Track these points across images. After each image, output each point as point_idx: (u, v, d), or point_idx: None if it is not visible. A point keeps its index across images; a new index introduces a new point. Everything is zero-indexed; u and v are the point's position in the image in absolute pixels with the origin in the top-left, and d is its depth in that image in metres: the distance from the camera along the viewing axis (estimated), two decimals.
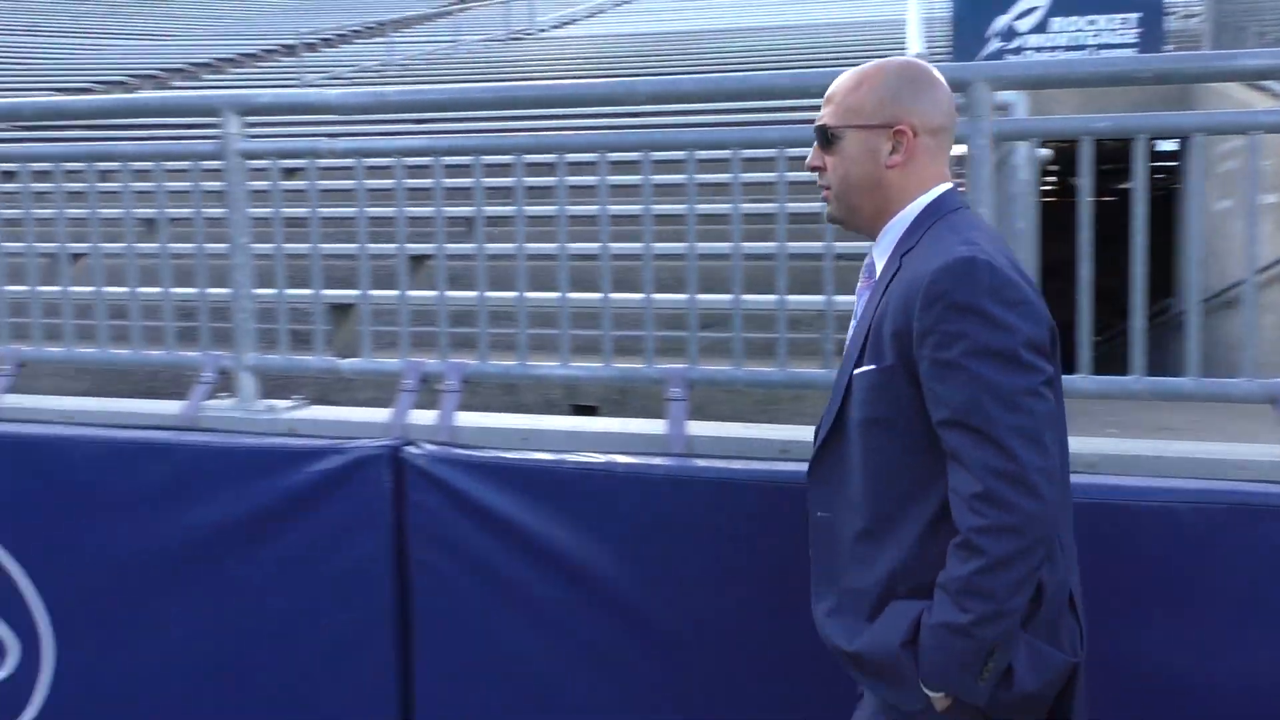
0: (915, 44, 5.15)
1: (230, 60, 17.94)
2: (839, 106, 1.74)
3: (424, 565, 2.66)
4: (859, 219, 1.77)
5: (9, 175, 3.07)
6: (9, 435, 2.92)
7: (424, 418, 2.75)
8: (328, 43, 19.31)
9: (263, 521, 2.73)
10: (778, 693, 2.40)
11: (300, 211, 2.93)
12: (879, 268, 1.74)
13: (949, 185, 1.73)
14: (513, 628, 2.61)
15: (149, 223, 4.23)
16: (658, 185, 2.67)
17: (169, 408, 2.94)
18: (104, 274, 3.02)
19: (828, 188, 1.77)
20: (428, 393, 2.82)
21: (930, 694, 1.59)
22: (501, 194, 5.68)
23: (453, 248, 2.78)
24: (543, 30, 19.99)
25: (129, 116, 2.76)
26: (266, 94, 2.55)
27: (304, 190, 2.90)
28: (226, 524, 2.75)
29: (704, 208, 2.60)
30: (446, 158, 2.74)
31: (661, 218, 2.70)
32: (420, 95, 2.80)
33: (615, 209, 2.73)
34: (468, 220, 5.36)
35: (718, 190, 2.82)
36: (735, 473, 2.44)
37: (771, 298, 2.58)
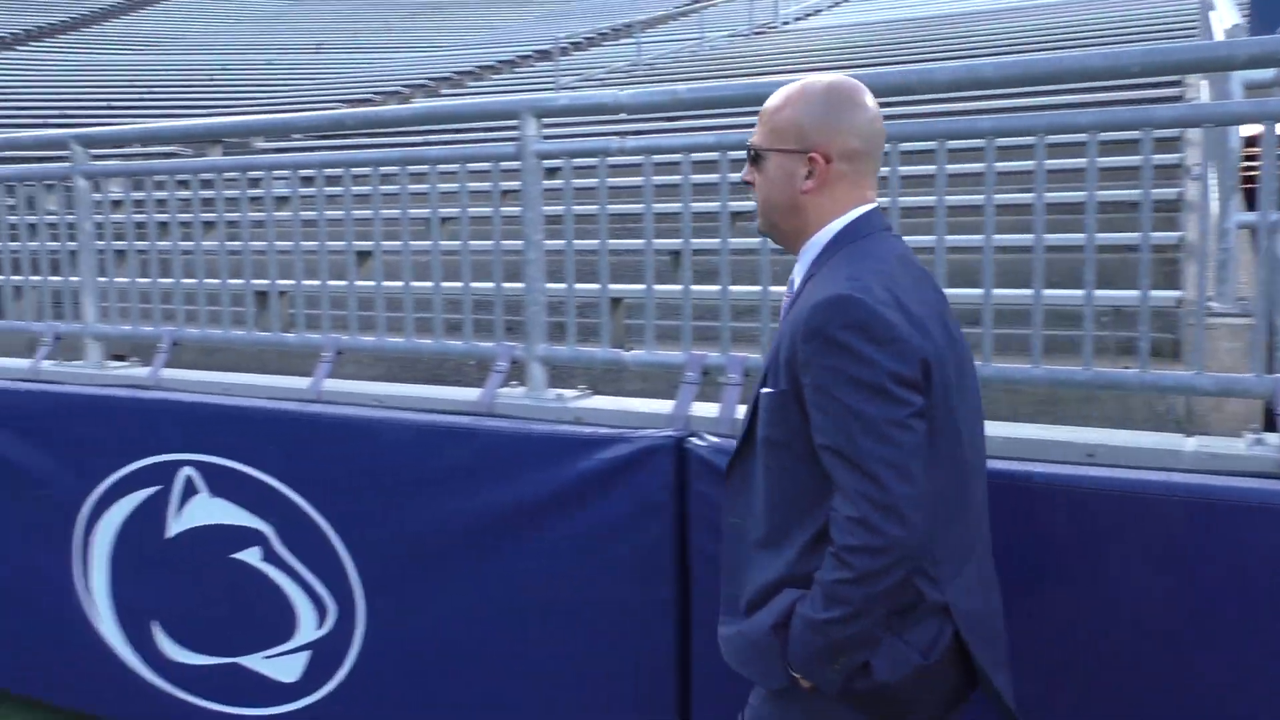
0: (1229, 13, 4.66)
1: (490, 68, 19.02)
2: (765, 127, 1.80)
3: (705, 555, 2.69)
4: (780, 236, 1.85)
5: (332, 180, 3.36)
6: (330, 416, 3.21)
7: (704, 410, 2.79)
8: (578, 46, 20.07)
9: (552, 505, 2.86)
10: (1067, 704, 2.28)
11: (590, 209, 3.04)
12: (795, 287, 1.82)
13: (866, 208, 1.78)
14: None
15: (443, 220, 4.54)
16: (946, 175, 2.57)
17: (468, 394, 3.14)
18: (411, 270, 3.27)
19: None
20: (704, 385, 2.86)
21: (793, 674, 1.75)
22: None
23: (736, 242, 2.79)
24: (786, 23, 19.87)
25: (438, 123, 2.97)
26: (563, 97, 2.66)
27: (590, 188, 3.02)
28: (518, 506, 2.90)
29: (1002, 198, 2.48)
30: (732, 153, 2.76)
31: (953, 209, 2.60)
32: (712, 92, 2.83)
33: (905, 200, 2.66)
34: (734, 215, 5.40)
35: (1014, 179, 2.67)
36: (1035, 475, 2.32)
37: (1078, 293, 2.43)
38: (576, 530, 2.82)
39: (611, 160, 2.92)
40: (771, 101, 1.80)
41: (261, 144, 11.76)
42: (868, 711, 1.75)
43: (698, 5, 21.26)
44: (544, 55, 19.18)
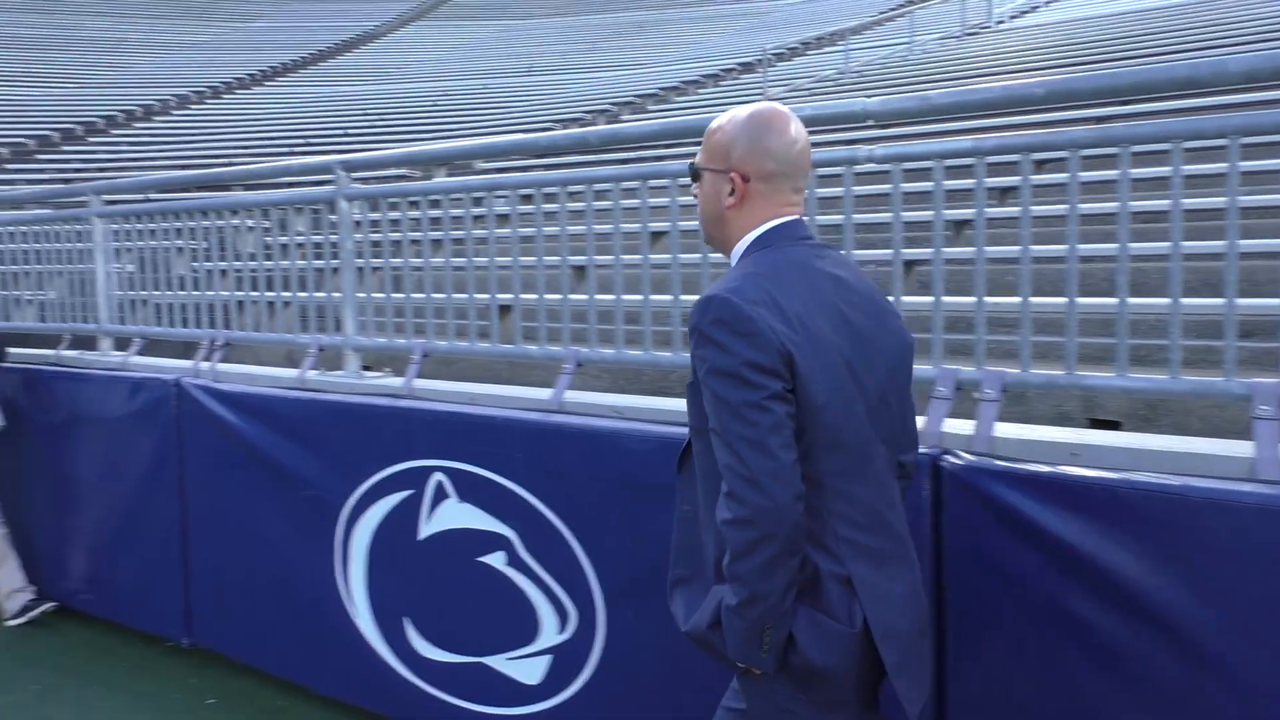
0: None
1: (695, 82, 19.21)
2: (704, 148, 2.03)
3: (961, 579, 2.58)
4: (715, 245, 2.09)
5: (572, 196, 3.45)
6: (573, 426, 3.30)
7: (958, 427, 2.67)
8: (781, 57, 19.97)
9: None
10: None
11: (835, 219, 2.98)
12: None
13: (778, 222, 1.97)
14: (1055, 653, 2.44)
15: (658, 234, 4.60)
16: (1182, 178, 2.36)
17: None
18: (650, 283, 3.31)
19: None
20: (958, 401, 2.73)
21: (739, 664, 1.90)
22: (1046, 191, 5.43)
23: (993, 251, 2.66)
24: (1001, 22, 19.05)
25: (681, 137, 3.00)
26: (807, 107, 2.61)
27: (834, 197, 2.96)
28: None
29: (1245, 199, 2.24)
30: (990, 158, 2.64)
31: (1190, 212, 2.39)
32: (966, 96, 2.72)
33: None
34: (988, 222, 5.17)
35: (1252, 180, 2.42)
36: None
37: None
38: None
39: (859, 168, 2.86)
40: (712, 124, 2.02)
41: (482, 164, 12.34)
42: (806, 689, 1.89)
43: (906, 8, 20.71)
44: (747, 67, 19.20)
